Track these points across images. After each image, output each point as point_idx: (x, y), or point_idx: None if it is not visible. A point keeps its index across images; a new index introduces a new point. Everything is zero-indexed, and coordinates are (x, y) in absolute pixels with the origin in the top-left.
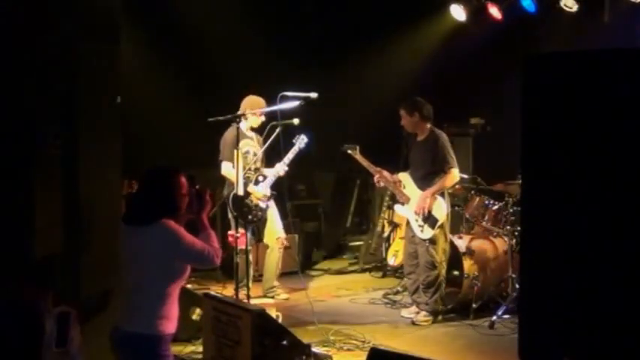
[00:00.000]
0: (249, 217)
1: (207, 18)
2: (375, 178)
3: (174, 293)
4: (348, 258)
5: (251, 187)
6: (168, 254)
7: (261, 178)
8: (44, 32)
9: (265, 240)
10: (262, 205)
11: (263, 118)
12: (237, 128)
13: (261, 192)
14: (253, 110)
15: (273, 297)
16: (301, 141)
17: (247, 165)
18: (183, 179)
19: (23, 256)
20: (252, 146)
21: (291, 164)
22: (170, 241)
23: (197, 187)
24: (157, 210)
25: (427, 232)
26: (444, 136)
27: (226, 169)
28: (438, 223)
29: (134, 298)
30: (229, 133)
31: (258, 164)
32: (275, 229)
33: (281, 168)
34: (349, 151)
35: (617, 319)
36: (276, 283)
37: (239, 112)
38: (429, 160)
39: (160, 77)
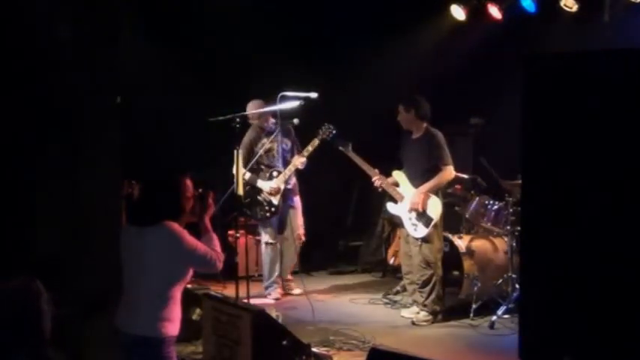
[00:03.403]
0: (261, 213)
1: (207, 18)
2: (374, 180)
3: (176, 295)
4: (348, 258)
5: (260, 183)
6: (171, 256)
7: (275, 174)
8: (44, 32)
9: (285, 234)
10: (274, 201)
11: (258, 119)
12: (256, 129)
13: (267, 186)
14: (250, 111)
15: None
16: (326, 131)
17: (270, 163)
18: (189, 182)
19: (23, 256)
20: (275, 142)
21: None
22: (173, 243)
23: (200, 189)
24: (161, 211)
25: (421, 231)
26: (439, 135)
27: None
28: (432, 222)
29: (136, 301)
30: (248, 133)
31: (279, 163)
32: (293, 225)
33: (298, 161)
34: (341, 148)
35: (617, 319)
36: (289, 277)
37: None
38: (425, 157)
39: (160, 77)
